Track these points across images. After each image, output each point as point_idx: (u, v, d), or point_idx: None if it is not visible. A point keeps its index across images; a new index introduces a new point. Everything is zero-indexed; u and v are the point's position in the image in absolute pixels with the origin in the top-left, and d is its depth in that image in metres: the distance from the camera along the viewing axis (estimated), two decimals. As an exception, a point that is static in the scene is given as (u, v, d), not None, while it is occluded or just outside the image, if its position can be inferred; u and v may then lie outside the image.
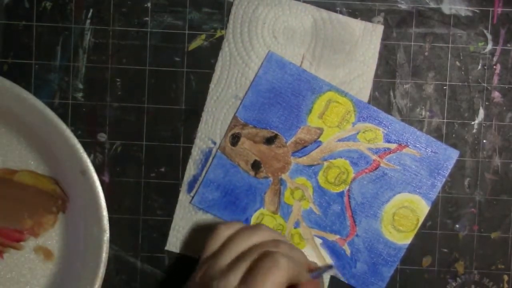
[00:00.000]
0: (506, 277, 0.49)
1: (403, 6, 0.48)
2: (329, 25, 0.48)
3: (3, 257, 0.49)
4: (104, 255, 0.47)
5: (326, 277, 0.49)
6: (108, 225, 0.47)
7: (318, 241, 0.48)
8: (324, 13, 0.48)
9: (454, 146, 0.49)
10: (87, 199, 0.47)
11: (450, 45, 0.48)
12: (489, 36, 0.48)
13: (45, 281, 0.49)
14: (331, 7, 0.48)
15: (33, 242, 0.49)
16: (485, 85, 0.48)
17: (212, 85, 0.48)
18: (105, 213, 0.47)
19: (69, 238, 0.49)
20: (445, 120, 0.49)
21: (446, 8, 0.48)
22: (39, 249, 0.49)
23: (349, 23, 0.48)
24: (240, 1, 0.48)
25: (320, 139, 0.48)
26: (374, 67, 0.48)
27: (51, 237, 0.49)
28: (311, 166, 0.48)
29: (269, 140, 0.48)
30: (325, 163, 0.48)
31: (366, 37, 0.48)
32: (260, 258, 0.39)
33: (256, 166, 0.48)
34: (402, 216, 0.48)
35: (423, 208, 0.48)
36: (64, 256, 0.49)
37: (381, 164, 0.47)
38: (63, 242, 0.49)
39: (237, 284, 0.39)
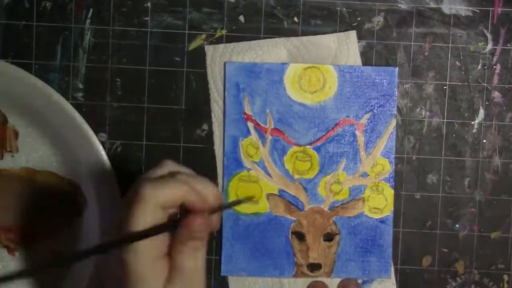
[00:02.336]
0: (506, 277, 0.49)
1: (403, 6, 0.48)
2: (303, 49, 0.48)
3: (15, 254, 0.49)
4: None
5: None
6: None
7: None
8: (294, 40, 0.48)
9: (454, 146, 0.49)
10: (105, 206, 0.47)
11: (450, 45, 0.48)
12: (489, 36, 0.48)
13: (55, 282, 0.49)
14: (331, 7, 0.48)
15: (50, 244, 0.49)
16: (485, 85, 0.48)
17: (216, 148, 0.49)
18: None
19: (83, 241, 0.48)
20: (445, 120, 0.49)
21: (446, 8, 0.48)
22: (56, 252, 0.49)
23: (321, 40, 0.48)
24: (212, 59, 0.48)
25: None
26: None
27: (65, 240, 0.49)
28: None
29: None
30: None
31: (343, 46, 0.48)
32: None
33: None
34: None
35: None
36: None
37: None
38: (77, 245, 0.49)
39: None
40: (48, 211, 0.48)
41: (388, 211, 0.48)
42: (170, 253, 0.36)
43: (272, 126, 0.48)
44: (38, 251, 0.49)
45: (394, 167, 0.48)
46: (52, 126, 0.47)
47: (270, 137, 0.48)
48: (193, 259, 0.36)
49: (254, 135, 0.48)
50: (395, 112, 0.48)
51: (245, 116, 0.48)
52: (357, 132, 0.48)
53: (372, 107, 0.48)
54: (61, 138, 0.48)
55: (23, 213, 0.48)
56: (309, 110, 0.48)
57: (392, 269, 0.49)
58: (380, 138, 0.48)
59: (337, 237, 0.48)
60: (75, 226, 0.49)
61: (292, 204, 0.48)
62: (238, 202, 0.44)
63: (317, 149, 0.48)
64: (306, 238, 0.48)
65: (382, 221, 0.48)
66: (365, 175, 0.48)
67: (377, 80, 0.48)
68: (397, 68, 0.48)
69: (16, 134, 0.48)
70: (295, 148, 0.48)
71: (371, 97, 0.48)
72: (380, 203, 0.48)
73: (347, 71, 0.48)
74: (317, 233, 0.48)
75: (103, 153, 0.47)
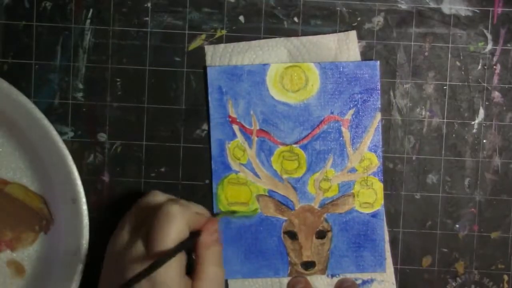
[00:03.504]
0: (506, 277, 0.49)
1: (403, 6, 0.48)
2: (303, 49, 0.48)
3: None
4: (74, 285, 0.46)
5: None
6: (85, 256, 0.47)
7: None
8: (295, 40, 0.48)
9: (454, 146, 0.49)
10: (72, 227, 0.47)
11: (450, 45, 0.48)
12: (489, 36, 0.48)
13: None
14: (331, 7, 0.48)
15: (8, 255, 0.48)
16: (485, 85, 0.48)
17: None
18: (86, 244, 0.47)
19: (44, 259, 0.48)
20: (445, 120, 0.49)
21: (446, 8, 0.48)
22: (12, 263, 0.48)
23: (321, 40, 0.48)
24: (212, 59, 0.48)
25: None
26: (363, 70, 0.48)
27: (28, 254, 0.48)
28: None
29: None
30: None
31: (343, 46, 0.48)
32: (154, 216, 0.41)
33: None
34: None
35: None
36: (36, 275, 0.48)
37: None
38: (38, 262, 0.48)
39: (143, 249, 0.40)
40: (14, 223, 0.48)
41: (378, 205, 0.49)
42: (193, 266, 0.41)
43: (258, 127, 0.48)
44: (-1, 261, 0.49)
45: (382, 160, 0.48)
46: (28, 140, 0.47)
47: (256, 138, 0.48)
48: (216, 264, 0.42)
49: (240, 137, 0.48)
50: (379, 106, 0.48)
51: (230, 119, 0.48)
52: (342, 128, 0.48)
53: (356, 103, 0.48)
54: (34, 153, 0.47)
55: None
56: (293, 109, 0.48)
57: (387, 263, 0.49)
58: (366, 132, 0.48)
59: (329, 234, 0.48)
60: (39, 242, 0.48)
61: (283, 204, 0.48)
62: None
63: (304, 148, 0.48)
64: (298, 237, 0.48)
65: (373, 215, 0.48)
66: (353, 170, 0.48)
67: (359, 75, 0.48)
68: (378, 62, 0.48)
69: (-12, 145, 0.48)
70: (281, 148, 0.48)
71: (354, 92, 0.48)
72: (370, 198, 0.48)
73: (328, 68, 0.48)
74: (309, 231, 0.48)
75: (76, 175, 0.47)
